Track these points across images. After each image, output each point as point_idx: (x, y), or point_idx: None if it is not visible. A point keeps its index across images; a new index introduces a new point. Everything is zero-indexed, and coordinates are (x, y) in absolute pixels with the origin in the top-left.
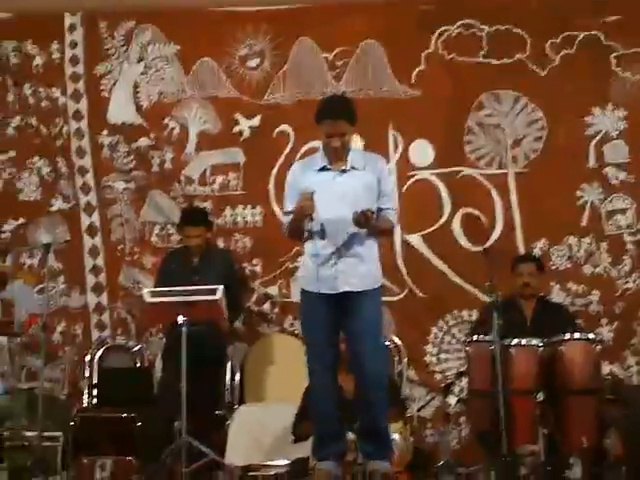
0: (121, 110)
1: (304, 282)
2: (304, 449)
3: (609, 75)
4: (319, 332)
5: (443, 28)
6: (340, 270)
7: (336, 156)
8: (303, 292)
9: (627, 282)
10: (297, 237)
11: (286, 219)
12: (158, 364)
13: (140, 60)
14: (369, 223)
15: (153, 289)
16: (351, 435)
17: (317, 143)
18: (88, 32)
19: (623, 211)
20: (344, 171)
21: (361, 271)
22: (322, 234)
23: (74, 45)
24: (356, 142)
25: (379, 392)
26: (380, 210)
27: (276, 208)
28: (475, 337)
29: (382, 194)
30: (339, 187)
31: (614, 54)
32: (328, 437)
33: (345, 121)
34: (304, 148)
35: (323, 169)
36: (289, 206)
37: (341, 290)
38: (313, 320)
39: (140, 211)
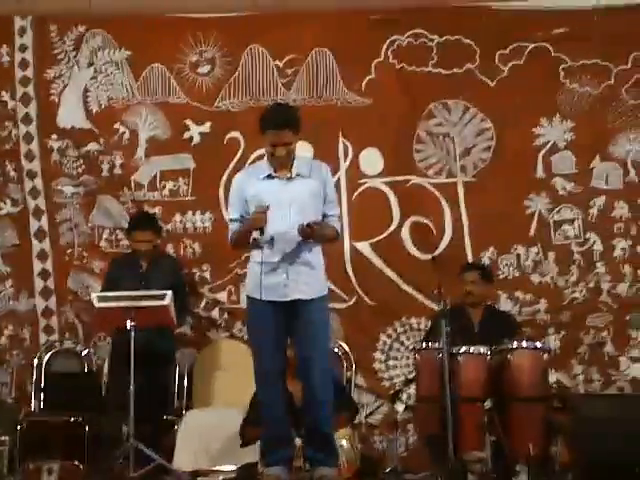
0: (71, 114)
1: (251, 289)
2: (252, 454)
3: (557, 86)
4: (267, 338)
5: (393, 37)
6: (291, 278)
7: (281, 164)
8: (250, 299)
9: (574, 292)
10: (243, 246)
11: (232, 227)
12: (106, 368)
13: (90, 65)
14: (314, 235)
15: (102, 294)
16: (298, 441)
17: None
18: (38, 36)
19: (571, 221)
20: (290, 179)
21: (311, 279)
22: (271, 242)
23: (24, 49)
24: (304, 150)
25: (326, 398)
26: (325, 216)
27: (226, 214)
28: (423, 344)
29: (327, 200)
30: (286, 195)
31: (562, 66)
32: (276, 442)
33: (289, 130)
34: (254, 155)
35: (269, 177)
36: (233, 214)
37: (292, 298)
38: (261, 327)
39: (89, 216)
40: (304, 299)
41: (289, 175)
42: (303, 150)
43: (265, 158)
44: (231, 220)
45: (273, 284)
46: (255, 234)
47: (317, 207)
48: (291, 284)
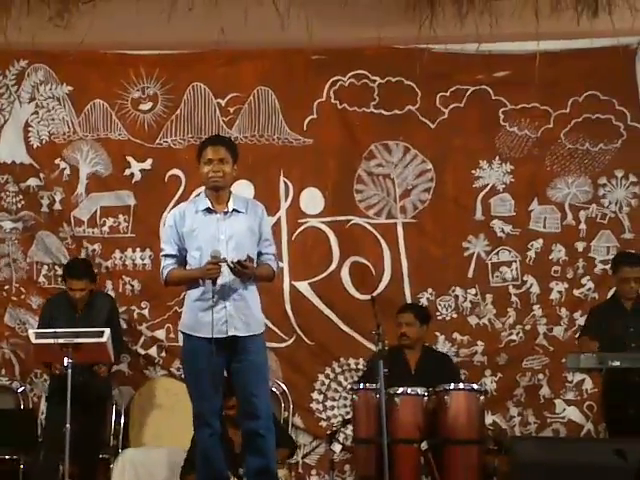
0: (11, 149)
1: (188, 327)
2: None
3: (497, 129)
4: (205, 376)
5: (335, 78)
6: (229, 314)
7: (218, 198)
8: (187, 336)
9: (511, 334)
10: (179, 285)
11: (165, 262)
12: (42, 406)
13: (32, 100)
14: (246, 273)
15: (39, 330)
16: None
17: None
18: None
19: (508, 264)
20: (227, 213)
21: (247, 315)
22: (213, 282)
23: None
24: (244, 189)
25: (266, 434)
26: (260, 254)
27: None
28: (361, 385)
29: (263, 238)
30: (223, 230)
31: (502, 109)
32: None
33: (225, 149)
34: (195, 192)
35: (206, 211)
36: (168, 250)
37: (230, 334)
38: (198, 365)
39: (28, 251)
40: (240, 336)
41: (226, 210)
42: (244, 189)
43: (202, 193)
44: (165, 256)
45: (209, 320)
46: (206, 283)
47: (253, 244)
48: (229, 320)
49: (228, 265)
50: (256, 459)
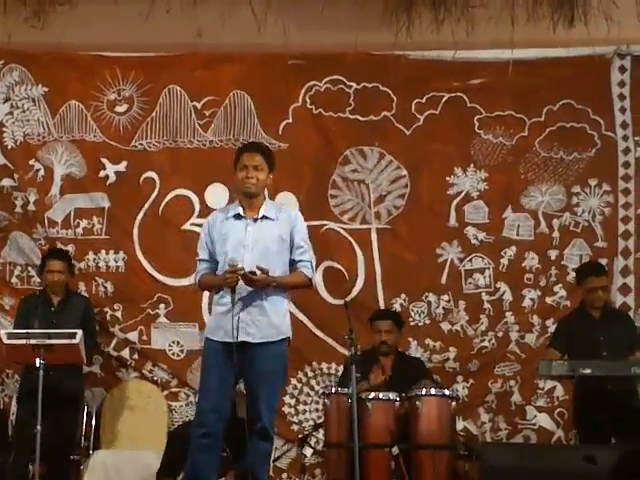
0: None
1: (208, 330)
2: None
3: (472, 137)
4: (217, 380)
5: (311, 83)
6: (242, 320)
7: (251, 205)
8: (206, 340)
9: (483, 340)
10: (210, 290)
11: (199, 267)
12: (13, 406)
13: (7, 100)
14: (254, 283)
15: (11, 331)
16: None
17: (183, 191)
18: None
19: (482, 270)
20: (256, 220)
21: (261, 322)
22: (231, 290)
23: None
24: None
25: (265, 444)
26: (294, 262)
27: (139, 254)
28: (332, 389)
29: (296, 246)
30: (250, 236)
31: (477, 116)
32: None
33: (262, 156)
34: (170, 195)
35: (236, 217)
36: (202, 255)
37: (240, 339)
38: (211, 368)
39: (1, 252)
40: (252, 342)
41: (256, 216)
42: (217, 192)
43: (237, 200)
44: (200, 260)
45: (227, 325)
46: (229, 292)
47: (281, 251)
48: (241, 325)
49: (240, 275)
50: (247, 461)
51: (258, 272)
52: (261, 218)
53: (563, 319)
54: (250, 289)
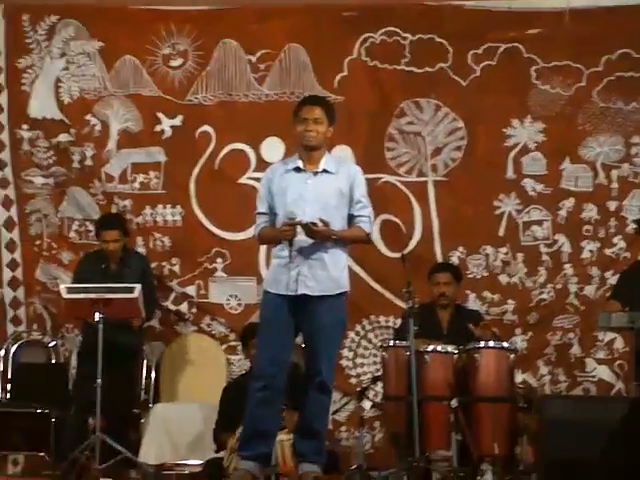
0: (42, 105)
1: (267, 283)
2: None
3: (529, 87)
4: (275, 332)
5: (366, 35)
6: (301, 273)
7: (310, 158)
8: (265, 293)
9: (542, 293)
10: (269, 244)
11: (258, 220)
12: (74, 360)
13: (62, 55)
14: (316, 234)
15: (70, 285)
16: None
17: (239, 145)
18: (10, 25)
19: (540, 222)
20: (316, 173)
21: (320, 276)
22: (289, 243)
23: None
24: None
25: (323, 397)
26: (353, 217)
27: (196, 208)
28: (391, 342)
29: (355, 201)
30: (310, 190)
31: (534, 67)
32: (255, 438)
33: (321, 109)
34: (225, 149)
35: (296, 170)
36: (260, 208)
37: (300, 292)
38: (270, 319)
39: (59, 207)
40: (311, 295)
41: (316, 170)
42: (275, 147)
43: (297, 153)
44: (259, 213)
45: (286, 278)
46: (286, 244)
47: (340, 206)
48: (300, 278)
49: (301, 226)
50: (306, 416)
51: (320, 224)
52: (321, 172)
53: (626, 271)
54: (310, 241)
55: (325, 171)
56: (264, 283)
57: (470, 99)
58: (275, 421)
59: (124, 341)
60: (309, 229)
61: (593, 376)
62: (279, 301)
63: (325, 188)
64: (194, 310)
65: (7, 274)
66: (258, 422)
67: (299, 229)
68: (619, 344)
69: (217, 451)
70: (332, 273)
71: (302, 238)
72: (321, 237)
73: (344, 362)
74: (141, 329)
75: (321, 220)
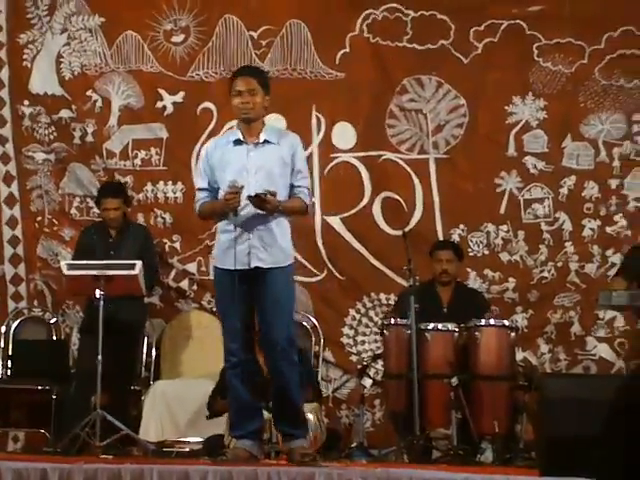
0: (43, 81)
1: (216, 259)
2: (219, 426)
3: (531, 65)
4: (233, 309)
5: (368, 11)
6: (252, 245)
7: (250, 130)
8: (216, 269)
9: (542, 271)
10: (211, 219)
11: (199, 195)
12: (75, 337)
13: (64, 31)
14: (265, 206)
15: (71, 262)
16: (266, 414)
17: None
18: (11, 0)
19: (541, 200)
20: (257, 144)
21: (272, 247)
22: (234, 212)
23: None
24: (277, 121)
25: (289, 367)
26: (293, 187)
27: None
28: (392, 320)
29: (296, 171)
30: (253, 161)
31: (536, 44)
32: (244, 415)
33: (256, 80)
34: (227, 126)
35: (237, 142)
36: (201, 183)
37: (253, 265)
38: (227, 297)
39: (60, 183)
40: (264, 267)
41: (257, 141)
42: (276, 123)
43: (235, 126)
44: (199, 189)
45: (238, 252)
46: (230, 215)
47: (284, 176)
48: (253, 251)
49: (247, 198)
50: (276, 393)
51: (268, 195)
52: (262, 142)
53: (634, 247)
54: (256, 213)
55: (266, 141)
56: (213, 260)
57: (472, 76)
58: (256, 394)
59: (126, 318)
60: (259, 200)
61: (593, 354)
62: (231, 276)
63: (268, 158)
64: (195, 287)
65: (8, 250)
66: (239, 399)
67: (245, 200)
68: (620, 322)
69: (210, 417)
70: (281, 244)
71: (247, 210)
72: (270, 208)
73: (345, 339)
74: (143, 303)
75: (268, 191)
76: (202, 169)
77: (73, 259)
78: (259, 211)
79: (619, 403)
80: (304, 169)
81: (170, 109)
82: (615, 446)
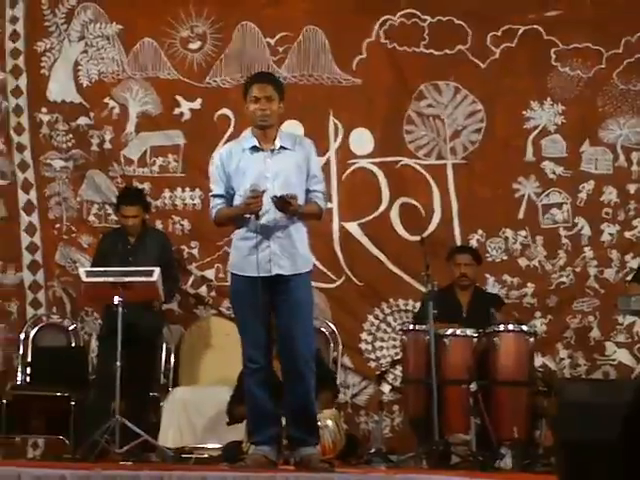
0: (61, 88)
1: (234, 266)
2: (237, 432)
3: (548, 70)
4: (255, 315)
5: (385, 17)
6: (273, 252)
7: (265, 136)
8: (235, 276)
9: (561, 276)
10: (228, 225)
11: (214, 202)
12: (93, 344)
13: (81, 39)
14: (288, 208)
15: (90, 269)
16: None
17: None
18: (29, 8)
19: (559, 205)
20: (274, 151)
21: (293, 253)
22: (255, 216)
23: (15, 20)
24: (293, 128)
25: (310, 373)
26: (309, 192)
27: None
28: (410, 326)
29: (311, 175)
30: (271, 168)
31: (554, 49)
32: (264, 421)
33: (272, 86)
34: (245, 132)
35: (253, 149)
36: (217, 190)
37: (274, 273)
38: (248, 304)
39: (78, 190)
40: (285, 275)
41: (273, 147)
42: (293, 129)
43: (249, 131)
44: (214, 196)
45: (258, 259)
46: (251, 219)
47: (301, 181)
48: (273, 258)
49: (271, 199)
50: (293, 400)
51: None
52: (278, 149)
53: None
54: (276, 218)
55: (282, 148)
56: (230, 266)
57: (489, 81)
58: (269, 402)
59: (144, 325)
60: (282, 202)
61: (613, 359)
62: (253, 283)
63: (285, 165)
64: (213, 293)
65: (27, 257)
66: (258, 406)
67: (268, 206)
68: (639, 327)
69: (230, 423)
70: (301, 251)
71: (267, 216)
72: (292, 211)
73: (363, 345)
74: (161, 310)
75: (289, 195)
76: (217, 176)
77: (92, 266)
78: (278, 218)
79: (639, 408)
80: (319, 173)
81: (187, 116)
82: (635, 452)
